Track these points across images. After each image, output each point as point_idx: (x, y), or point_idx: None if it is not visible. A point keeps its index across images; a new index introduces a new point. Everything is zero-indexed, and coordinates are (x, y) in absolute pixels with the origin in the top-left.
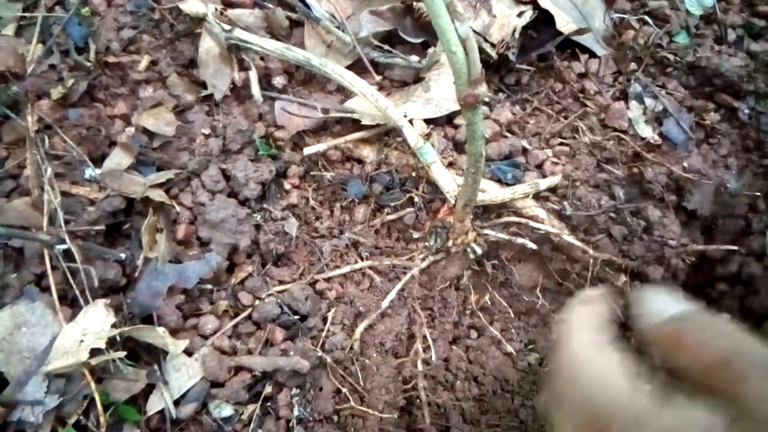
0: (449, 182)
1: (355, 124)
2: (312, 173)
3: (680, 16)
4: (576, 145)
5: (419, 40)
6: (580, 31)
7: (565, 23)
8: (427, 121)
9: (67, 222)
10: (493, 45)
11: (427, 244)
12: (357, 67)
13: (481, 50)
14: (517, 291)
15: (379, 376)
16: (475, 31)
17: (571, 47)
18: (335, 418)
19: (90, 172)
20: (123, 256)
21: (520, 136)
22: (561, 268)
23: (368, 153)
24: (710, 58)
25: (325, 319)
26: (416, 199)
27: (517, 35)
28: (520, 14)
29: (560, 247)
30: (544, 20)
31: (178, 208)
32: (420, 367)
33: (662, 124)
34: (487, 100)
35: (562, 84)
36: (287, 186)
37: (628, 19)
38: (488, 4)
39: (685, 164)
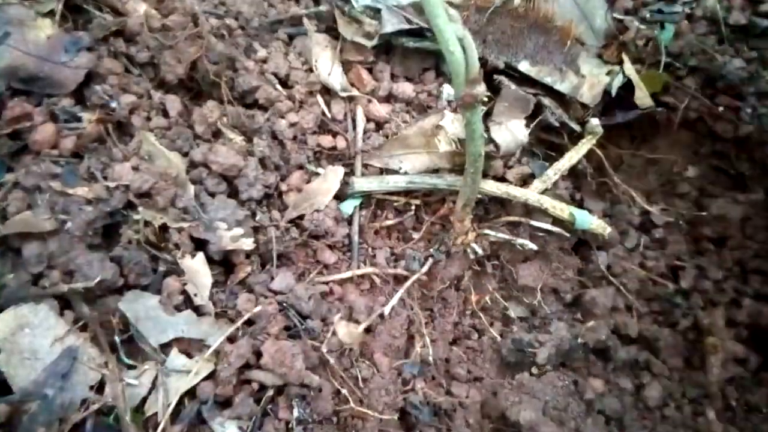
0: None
1: None
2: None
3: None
4: None
5: None
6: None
7: (643, 96)
8: None
9: (64, 222)
10: (583, 106)
11: (432, 250)
12: None
13: (569, 113)
14: (516, 292)
15: (379, 377)
16: (564, 94)
17: None
18: (335, 419)
19: None
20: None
21: None
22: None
23: None
24: (712, 59)
25: (325, 320)
26: (417, 201)
27: (613, 93)
28: (608, 73)
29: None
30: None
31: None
32: (419, 367)
33: None
34: (485, 99)
35: None
36: (284, 188)
37: (630, 19)
38: (575, 65)
39: None
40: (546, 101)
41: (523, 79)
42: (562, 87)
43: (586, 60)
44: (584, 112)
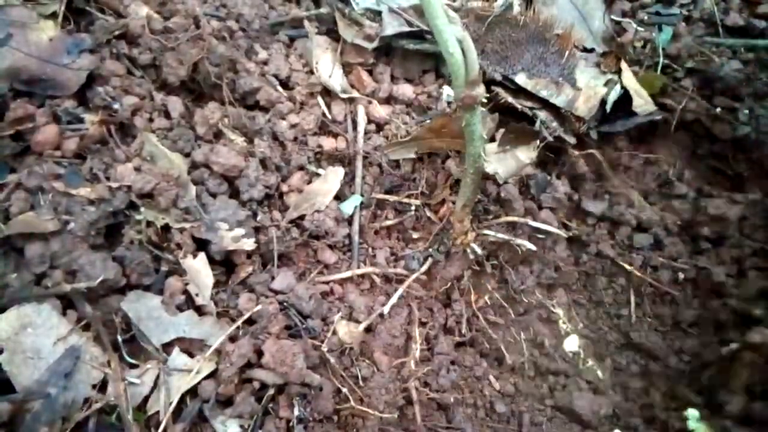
0: None
1: None
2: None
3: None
4: None
5: None
6: (650, 113)
7: (642, 103)
8: None
9: (67, 222)
10: (578, 119)
11: (431, 250)
12: None
13: (565, 125)
14: (514, 293)
15: (379, 376)
16: (560, 107)
17: None
18: (335, 417)
19: None
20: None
21: None
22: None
23: None
24: (710, 60)
25: (326, 320)
26: (417, 201)
27: (608, 107)
28: (606, 83)
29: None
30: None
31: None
32: (419, 367)
33: None
34: (484, 100)
35: None
36: (285, 188)
37: (627, 21)
38: (572, 78)
39: None
40: (542, 115)
41: (519, 92)
42: (558, 101)
43: (583, 70)
44: (580, 124)
